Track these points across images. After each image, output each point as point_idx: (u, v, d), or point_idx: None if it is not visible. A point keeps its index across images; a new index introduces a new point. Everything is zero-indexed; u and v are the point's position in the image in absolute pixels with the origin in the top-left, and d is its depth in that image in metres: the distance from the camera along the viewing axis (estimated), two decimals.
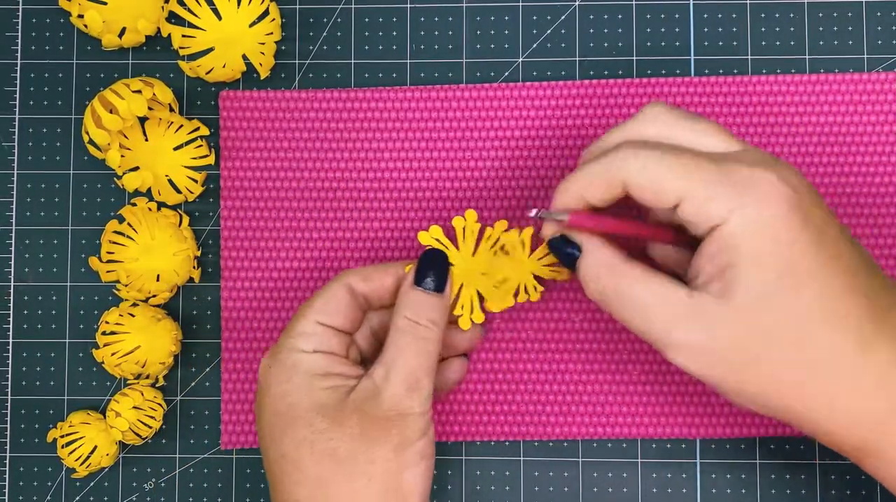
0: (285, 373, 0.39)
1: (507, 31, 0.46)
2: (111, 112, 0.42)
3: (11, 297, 0.47)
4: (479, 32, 0.47)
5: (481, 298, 0.42)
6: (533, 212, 0.36)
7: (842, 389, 0.33)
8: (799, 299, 0.33)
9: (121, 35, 0.45)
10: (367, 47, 0.47)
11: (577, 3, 0.47)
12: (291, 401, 0.38)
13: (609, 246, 0.37)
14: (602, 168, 0.35)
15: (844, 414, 0.34)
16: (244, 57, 0.46)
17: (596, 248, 0.37)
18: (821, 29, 0.46)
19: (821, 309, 0.33)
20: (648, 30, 0.46)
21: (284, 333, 0.40)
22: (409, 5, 0.47)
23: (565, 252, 0.37)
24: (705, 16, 0.46)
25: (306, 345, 0.39)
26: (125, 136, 0.45)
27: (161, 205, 0.46)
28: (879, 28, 0.46)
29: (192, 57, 0.46)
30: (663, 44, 0.46)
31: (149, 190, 0.46)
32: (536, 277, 0.42)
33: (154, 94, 0.43)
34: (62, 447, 0.44)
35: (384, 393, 0.38)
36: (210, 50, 0.46)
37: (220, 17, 0.46)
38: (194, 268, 0.46)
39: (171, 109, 0.45)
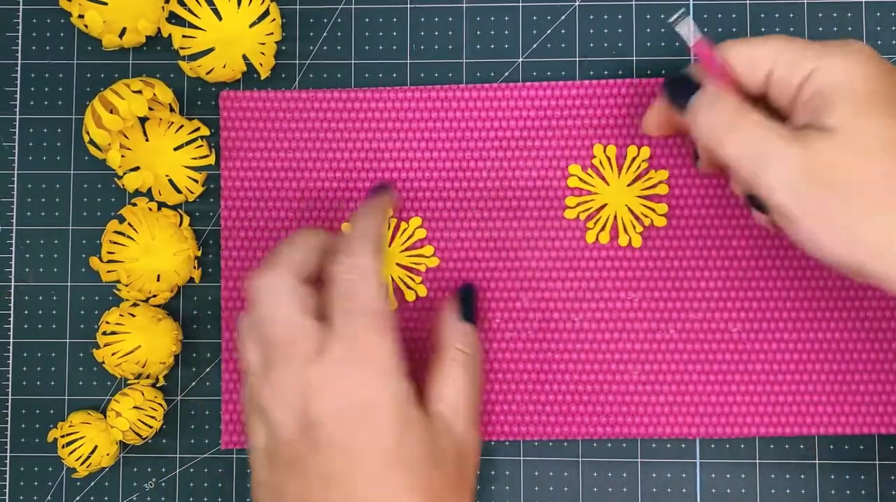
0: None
1: (507, 31, 0.46)
2: (111, 112, 0.42)
3: (12, 297, 0.47)
4: (479, 32, 0.47)
5: (396, 288, 0.45)
6: (672, 18, 0.38)
7: None
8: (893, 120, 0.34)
9: (121, 35, 0.45)
10: (367, 47, 0.47)
11: (577, 3, 0.47)
12: (406, 440, 0.35)
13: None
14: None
15: None
16: (244, 57, 0.46)
17: (718, 89, 0.38)
18: (821, 29, 0.46)
19: None
20: (648, 30, 0.46)
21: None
22: (409, 5, 0.47)
23: (683, 86, 0.38)
24: (705, 16, 0.46)
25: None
26: (125, 136, 0.45)
27: (161, 205, 0.46)
28: (879, 28, 0.46)
29: (193, 57, 0.46)
30: (663, 44, 0.46)
31: (149, 190, 0.46)
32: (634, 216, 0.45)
33: (154, 94, 0.43)
34: (62, 447, 0.44)
35: (456, 427, 0.38)
36: (210, 50, 0.46)
37: (220, 18, 0.46)
38: (195, 268, 0.46)
39: (172, 109, 0.45)
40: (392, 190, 0.44)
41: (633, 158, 0.45)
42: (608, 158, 0.45)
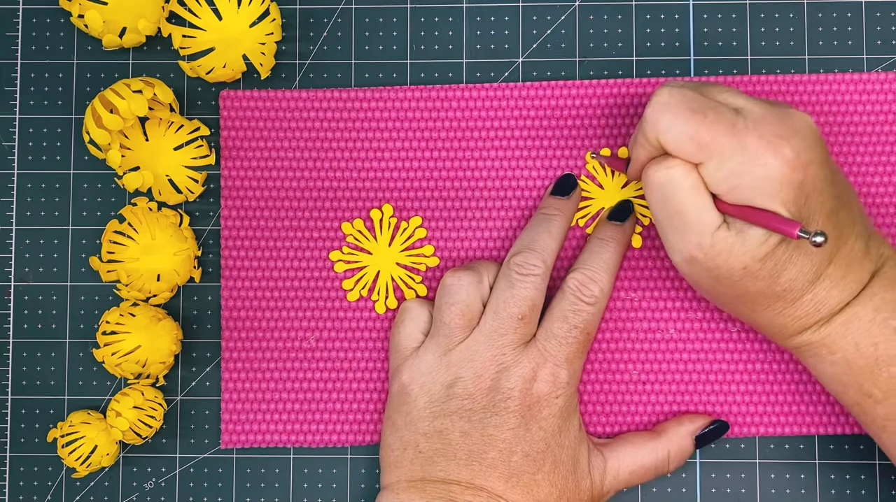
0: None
1: (507, 31, 0.46)
2: (112, 112, 0.42)
3: (11, 297, 0.47)
4: (479, 32, 0.47)
5: (396, 287, 0.45)
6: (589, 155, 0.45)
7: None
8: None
9: (121, 35, 0.45)
10: (367, 47, 0.47)
11: (577, 3, 0.47)
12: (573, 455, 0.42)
13: None
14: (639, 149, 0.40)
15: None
16: (244, 57, 0.46)
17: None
18: (821, 29, 0.46)
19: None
20: (648, 30, 0.46)
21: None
22: (409, 5, 0.47)
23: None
24: (705, 16, 0.46)
25: None
26: (126, 136, 0.45)
27: (161, 204, 0.46)
28: (879, 28, 0.46)
29: (193, 57, 0.46)
30: (663, 44, 0.46)
31: (149, 190, 0.46)
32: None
33: (155, 94, 0.43)
34: (62, 447, 0.44)
35: (605, 483, 0.42)
36: (210, 50, 0.46)
37: (220, 18, 0.46)
38: (195, 267, 0.46)
39: (172, 109, 0.45)
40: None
41: (626, 160, 0.45)
42: (600, 164, 0.45)
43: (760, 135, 0.36)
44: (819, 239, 0.34)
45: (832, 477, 0.45)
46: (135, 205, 0.45)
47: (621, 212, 0.44)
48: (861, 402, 0.39)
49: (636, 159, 0.40)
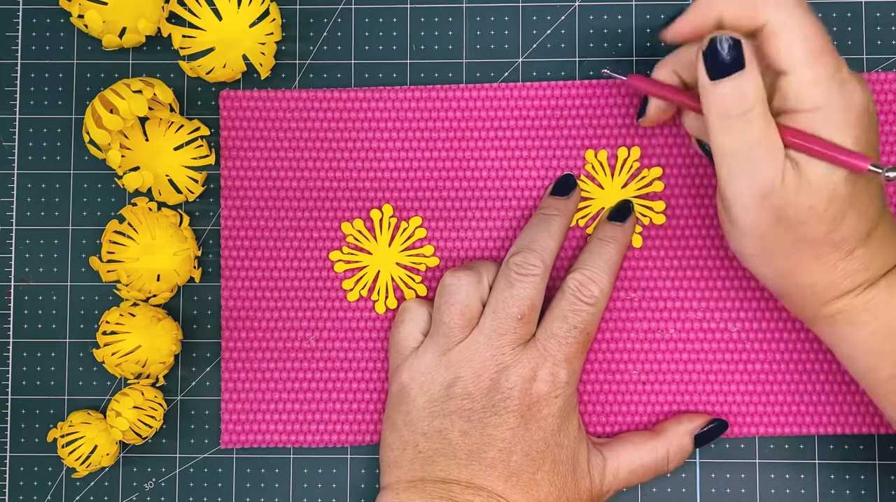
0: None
1: (507, 31, 0.46)
2: (112, 112, 0.43)
3: (11, 297, 0.47)
4: (479, 32, 0.47)
5: (396, 287, 0.44)
6: (603, 72, 0.44)
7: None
8: None
9: (121, 35, 0.45)
10: (367, 47, 0.47)
11: (577, 3, 0.47)
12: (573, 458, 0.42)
13: None
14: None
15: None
16: (244, 57, 0.46)
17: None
18: None
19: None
20: (648, 30, 0.46)
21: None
22: (409, 5, 0.47)
23: (720, 61, 0.36)
24: None
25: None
26: (125, 136, 0.45)
27: (161, 204, 0.46)
28: (879, 28, 0.46)
29: (193, 57, 0.46)
30: (663, 44, 0.46)
31: (149, 190, 0.46)
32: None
33: (154, 94, 0.43)
34: (62, 447, 0.44)
35: (605, 483, 0.42)
36: (210, 50, 0.46)
37: (220, 18, 0.46)
38: (195, 267, 0.46)
39: (172, 109, 0.45)
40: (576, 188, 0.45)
41: (625, 159, 0.45)
42: (600, 163, 0.45)
43: (851, 72, 0.36)
44: (892, 173, 0.34)
45: (832, 477, 0.45)
46: (135, 205, 0.45)
47: (621, 212, 0.44)
48: None
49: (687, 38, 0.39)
